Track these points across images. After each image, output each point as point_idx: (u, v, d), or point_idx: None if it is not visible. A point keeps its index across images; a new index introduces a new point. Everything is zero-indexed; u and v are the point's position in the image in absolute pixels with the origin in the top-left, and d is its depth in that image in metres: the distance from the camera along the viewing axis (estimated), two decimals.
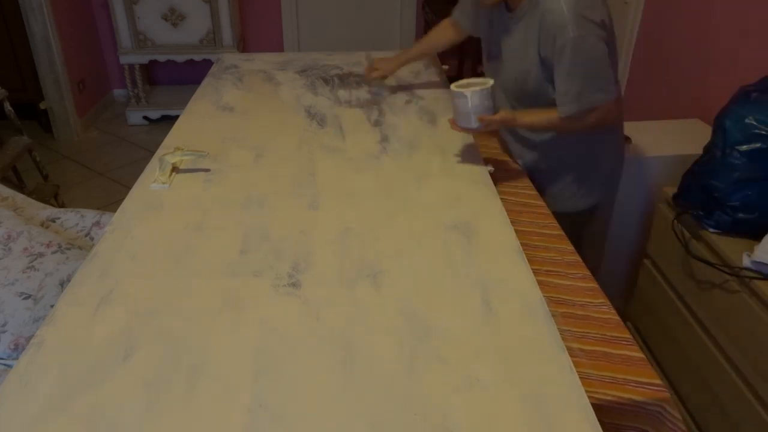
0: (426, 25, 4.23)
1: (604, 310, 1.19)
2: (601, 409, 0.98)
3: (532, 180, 1.69)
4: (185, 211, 1.35)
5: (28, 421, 0.85)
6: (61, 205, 2.79)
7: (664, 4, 2.60)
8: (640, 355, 1.08)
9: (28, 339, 1.20)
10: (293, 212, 1.35)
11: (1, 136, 2.80)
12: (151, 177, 1.48)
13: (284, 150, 1.64)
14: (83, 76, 3.95)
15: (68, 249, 1.38)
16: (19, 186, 2.79)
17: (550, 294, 1.21)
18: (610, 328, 1.14)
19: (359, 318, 1.04)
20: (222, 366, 0.94)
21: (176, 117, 1.86)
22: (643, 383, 1.02)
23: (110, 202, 3.11)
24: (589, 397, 0.90)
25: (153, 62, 3.99)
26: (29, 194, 2.39)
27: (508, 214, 1.36)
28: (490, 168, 1.58)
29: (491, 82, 1.46)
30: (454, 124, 1.52)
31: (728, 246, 1.55)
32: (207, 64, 4.12)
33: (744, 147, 1.51)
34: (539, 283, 1.14)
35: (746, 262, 1.48)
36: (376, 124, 1.82)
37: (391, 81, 2.17)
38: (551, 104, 1.52)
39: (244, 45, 4.29)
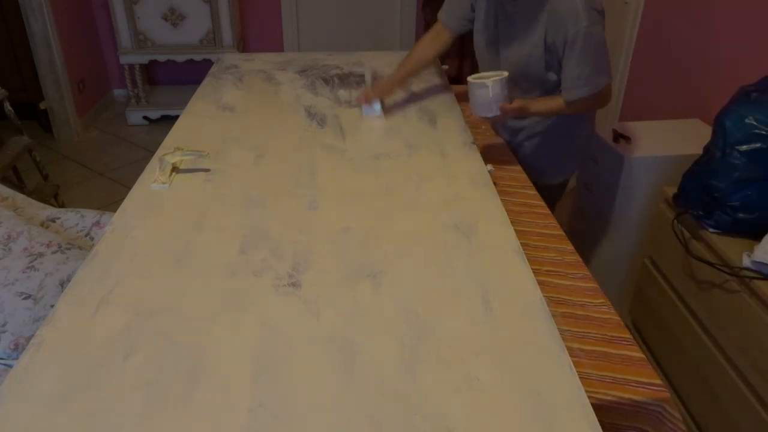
0: (426, 25, 4.23)
1: (604, 310, 1.19)
2: (601, 409, 0.98)
3: (516, 155, 1.85)
4: (185, 211, 1.35)
5: (28, 421, 0.85)
6: (61, 205, 2.79)
7: (664, 4, 2.60)
8: (640, 355, 1.08)
9: (28, 339, 1.19)
10: (293, 212, 1.35)
11: (1, 136, 2.80)
12: (151, 177, 1.48)
13: (284, 150, 1.64)
14: (83, 76, 3.95)
15: (68, 249, 1.38)
16: (19, 186, 2.79)
17: (550, 294, 1.21)
18: (610, 328, 1.14)
19: (359, 318, 1.04)
20: (222, 366, 0.94)
21: (176, 117, 1.86)
22: (643, 383, 1.02)
23: (110, 202, 3.11)
24: (589, 397, 0.90)
25: (153, 62, 3.99)
26: (29, 194, 2.39)
27: (508, 214, 1.36)
28: (490, 168, 1.58)
29: (506, 73, 1.56)
30: (471, 114, 1.63)
31: (728, 246, 1.55)
32: (207, 64, 4.12)
33: (744, 147, 1.51)
34: (539, 283, 1.14)
35: (746, 262, 1.48)
36: (376, 123, 1.82)
37: None
38: (549, 89, 1.66)
39: (244, 45, 4.29)
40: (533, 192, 1.61)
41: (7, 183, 2.36)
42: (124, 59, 3.87)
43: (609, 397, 0.99)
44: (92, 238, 1.55)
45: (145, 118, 4.07)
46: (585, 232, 2.36)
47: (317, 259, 1.19)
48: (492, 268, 1.17)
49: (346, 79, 2.18)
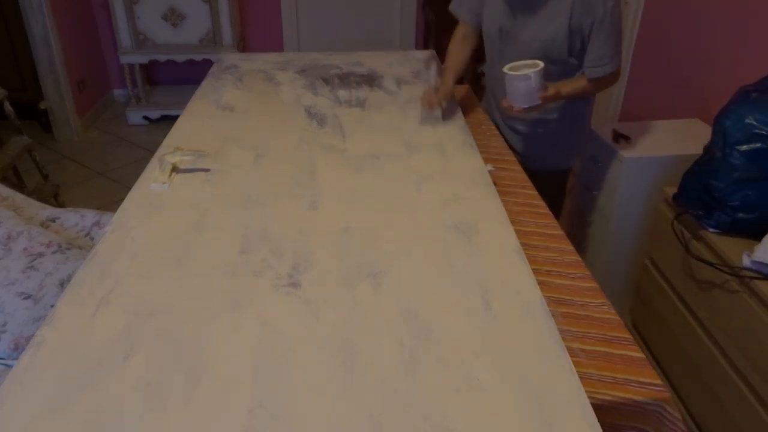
0: (426, 25, 4.23)
1: (604, 310, 1.19)
2: (601, 409, 0.98)
3: (530, 145, 1.93)
4: (185, 211, 1.35)
5: (28, 421, 0.85)
6: (61, 205, 2.79)
7: (664, 4, 2.60)
8: (640, 355, 1.08)
9: (28, 339, 1.19)
10: (293, 212, 1.35)
11: (1, 136, 2.80)
12: (151, 177, 1.48)
13: (284, 150, 1.64)
14: (83, 76, 3.95)
15: (68, 249, 1.38)
16: (19, 186, 2.79)
17: (550, 294, 1.21)
18: (611, 328, 1.14)
19: (359, 318, 1.04)
20: (222, 366, 0.94)
21: (176, 117, 1.86)
22: (643, 383, 1.02)
23: (110, 202, 3.11)
24: (589, 396, 0.90)
25: (153, 62, 3.99)
26: (29, 194, 2.39)
27: (508, 214, 1.36)
28: (490, 168, 1.58)
29: (542, 63, 1.59)
30: (510, 108, 1.66)
31: (728, 246, 1.55)
32: (207, 64, 4.11)
33: (744, 147, 1.51)
34: (539, 282, 1.14)
35: (746, 262, 1.48)
36: (376, 123, 1.82)
37: (391, 81, 2.17)
38: (569, 73, 1.74)
39: (244, 45, 4.29)
40: (533, 192, 1.61)
41: (7, 183, 2.36)
42: (124, 59, 3.87)
43: (609, 397, 0.99)
44: (92, 238, 1.55)
45: (145, 118, 4.07)
46: (585, 232, 2.36)
47: (317, 259, 1.19)
48: (492, 268, 1.17)
49: (346, 79, 2.18)
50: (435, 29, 3.77)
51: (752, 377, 1.47)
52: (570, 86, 1.71)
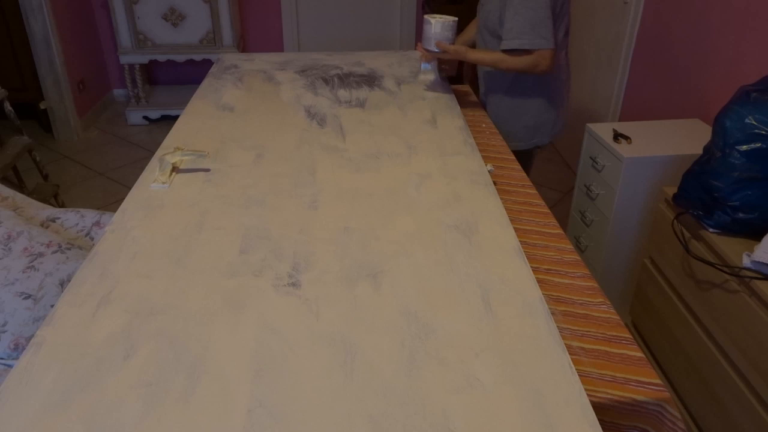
0: None
1: (604, 309, 1.19)
2: (601, 408, 0.98)
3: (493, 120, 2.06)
4: (185, 211, 1.35)
5: (29, 421, 0.85)
6: (61, 205, 2.79)
7: (664, 4, 2.60)
8: (640, 354, 1.08)
9: (28, 339, 1.20)
10: (293, 212, 1.35)
11: (1, 136, 2.80)
12: (151, 177, 1.48)
13: (284, 150, 1.64)
14: (83, 76, 3.95)
15: (68, 249, 1.38)
16: (19, 186, 2.79)
17: (550, 293, 1.21)
18: (610, 327, 1.14)
19: (359, 318, 1.04)
20: (222, 366, 0.94)
21: (176, 117, 1.86)
22: (643, 383, 1.02)
23: (110, 202, 3.11)
24: (589, 396, 0.90)
25: (153, 62, 3.99)
26: (29, 194, 2.39)
27: (507, 213, 1.36)
28: (490, 168, 1.58)
29: (455, 19, 1.86)
30: (420, 47, 1.95)
31: (728, 246, 1.55)
32: (207, 64, 4.13)
33: (744, 147, 1.51)
34: (539, 281, 1.14)
35: (746, 262, 1.48)
36: (376, 123, 1.82)
37: (391, 81, 2.17)
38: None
39: (244, 45, 4.29)
40: (533, 191, 1.61)
41: (7, 183, 2.36)
42: (124, 59, 3.87)
43: (609, 396, 0.99)
44: (92, 238, 1.55)
45: (145, 118, 4.07)
46: (585, 232, 2.36)
47: (317, 259, 1.19)
48: (492, 267, 1.17)
49: (346, 79, 2.18)
50: None
51: (752, 377, 1.47)
52: (481, 53, 1.89)
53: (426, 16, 1.89)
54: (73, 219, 1.58)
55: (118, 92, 4.45)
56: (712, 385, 1.63)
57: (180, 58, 3.91)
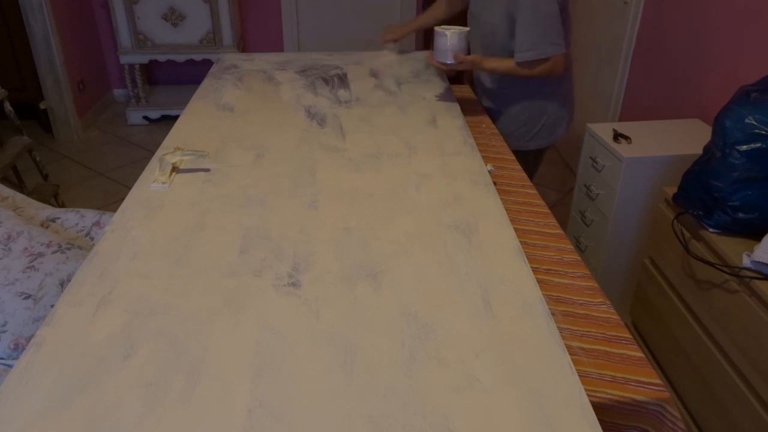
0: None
1: (604, 309, 1.19)
2: (601, 408, 0.98)
3: (494, 121, 2.08)
4: (185, 211, 1.35)
5: (29, 421, 0.85)
6: (61, 205, 2.79)
7: (664, 4, 2.60)
8: (640, 354, 1.08)
9: (28, 339, 1.20)
10: (293, 212, 1.35)
11: (1, 136, 2.80)
12: (151, 177, 1.48)
13: (284, 150, 1.64)
14: (83, 76, 3.95)
15: (68, 249, 1.38)
16: (19, 186, 2.79)
17: (550, 293, 1.21)
18: (610, 327, 1.14)
19: (359, 318, 1.04)
20: (222, 366, 0.94)
21: (176, 117, 1.86)
22: (643, 383, 1.02)
23: (110, 202, 3.11)
24: (589, 396, 0.90)
25: (153, 62, 3.99)
26: (29, 194, 2.39)
27: (507, 213, 1.36)
28: (490, 168, 1.58)
29: (468, 28, 1.85)
30: (432, 59, 1.89)
31: (728, 246, 1.55)
32: (207, 64, 4.13)
33: (744, 147, 1.51)
34: (539, 281, 1.14)
35: (746, 262, 1.48)
36: (376, 123, 1.82)
37: (390, 81, 2.17)
38: (512, 56, 1.85)
39: (244, 45, 4.29)
40: (533, 191, 1.61)
41: (7, 183, 2.36)
42: (124, 59, 3.87)
43: (609, 396, 0.99)
44: (92, 238, 1.55)
45: (145, 118, 4.07)
46: (585, 231, 2.36)
47: (317, 259, 1.19)
48: (492, 267, 1.17)
49: (345, 79, 2.18)
50: None
51: (752, 377, 1.47)
52: (497, 61, 1.88)
53: (438, 29, 1.84)
54: (73, 219, 1.58)
55: (118, 92, 4.45)
56: (712, 385, 1.63)
57: (180, 58, 3.91)
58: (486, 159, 1.65)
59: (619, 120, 2.98)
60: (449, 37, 1.80)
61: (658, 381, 1.03)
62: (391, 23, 2.23)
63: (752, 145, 1.50)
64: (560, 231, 1.44)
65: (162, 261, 1.18)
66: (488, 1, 1.88)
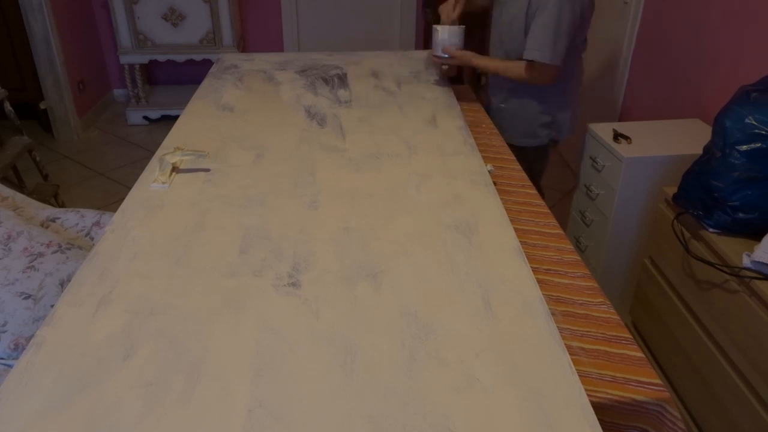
0: (426, 25, 4.23)
1: (604, 309, 1.19)
2: (601, 408, 0.98)
3: (496, 118, 2.11)
4: (185, 211, 1.35)
5: (29, 421, 0.85)
6: (61, 205, 2.79)
7: (664, 4, 2.60)
8: (640, 354, 1.08)
9: (28, 339, 1.20)
10: (293, 212, 1.35)
11: (1, 136, 2.80)
12: (151, 177, 1.48)
13: (284, 150, 1.64)
14: (83, 76, 3.95)
15: (68, 249, 1.38)
16: (19, 186, 2.79)
17: (550, 293, 1.21)
18: (610, 327, 1.14)
19: (359, 318, 1.04)
20: (222, 366, 0.94)
21: (176, 117, 1.86)
22: (643, 383, 1.02)
23: (110, 202, 3.11)
24: (589, 396, 0.90)
25: (153, 62, 3.99)
26: (29, 194, 2.39)
27: (507, 213, 1.36)
28: (490, 168, 1.58)
29: (463, 26, 1.96)
30: (431, 55, 2.03)
31: (728, 246, 1.55)
32: (207, 64, 4.13)
33: (744, 147, 1.51)
34: (539, 281, 1.14)
35: (746, 262, 1.48)
36: (376, 123, 1.82)
37: (391, 81, 2.17)
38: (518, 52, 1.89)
39: (244, 45, 4.29)
40: (533, 191, 1.61)
41: (7, 183, 2.36)
42: (124, 59, 3.87)
43: (609, 396, 0.99)
44: (92, 238, 1.55)
45: (145, 118, 4.07)
46: (585, 231, 2.36)
47: (317, 259, 1.19)
48: (492, 268, 1.17)
49: (345, 79, 2.18)
50: None
51: (752, 377, 1.47)
52: (487, 60, 1.98)
53: (435, 25, 1.99)
54: (73, 219, 1.59)
55: (118, 92, 4.45)
56: (712, 385, 1.63)
57: (180, 58, 3.91)
58: (486, 159, 1.65)
59: (619, 120, 2.98)
60: (440, 32, 1.97)
61: (658, 381, 1.03)
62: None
63: (752, 145, 1.50)
64: (560, 231, 1.44)
65: (162, 261, 1.18)
66: (508, 2, 1.93)
